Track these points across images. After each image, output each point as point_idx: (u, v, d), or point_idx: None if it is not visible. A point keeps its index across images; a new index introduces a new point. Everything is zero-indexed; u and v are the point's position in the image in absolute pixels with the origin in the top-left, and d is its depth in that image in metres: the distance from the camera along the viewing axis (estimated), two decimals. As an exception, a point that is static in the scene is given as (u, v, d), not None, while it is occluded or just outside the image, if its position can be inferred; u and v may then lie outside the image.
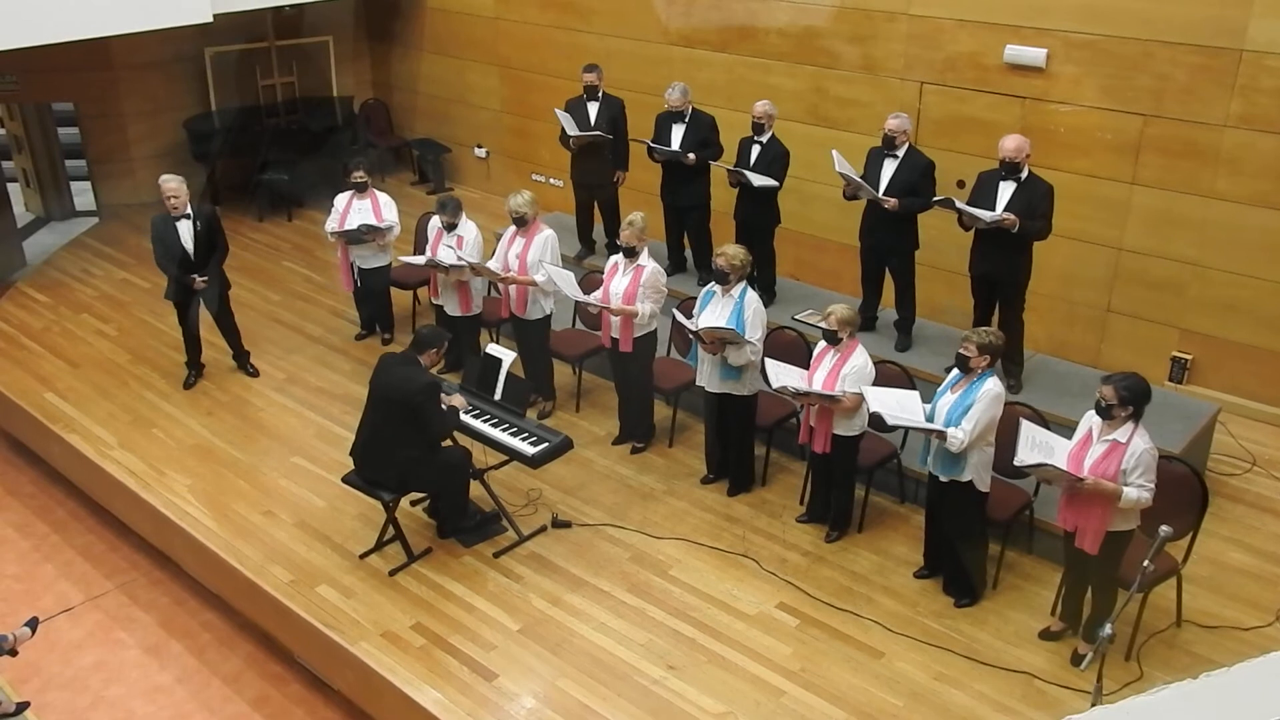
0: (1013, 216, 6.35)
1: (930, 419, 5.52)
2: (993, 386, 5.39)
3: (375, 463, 6.07)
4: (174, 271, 7.82)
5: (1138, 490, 4.94)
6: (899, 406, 5.62)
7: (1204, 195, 7.00)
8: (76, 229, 11.49)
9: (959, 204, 6.51)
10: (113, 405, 7.96)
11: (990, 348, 5.40)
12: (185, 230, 7.75)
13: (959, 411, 5.39)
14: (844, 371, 5.91)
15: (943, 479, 5.57)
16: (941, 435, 5.37)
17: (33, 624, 6.04)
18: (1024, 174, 6.48)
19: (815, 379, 5.99)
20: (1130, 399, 4.93)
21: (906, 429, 6.25)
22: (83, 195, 12.20)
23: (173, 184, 7.71)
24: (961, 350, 5.44)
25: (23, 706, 5.99)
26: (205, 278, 7.81)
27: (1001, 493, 5.80)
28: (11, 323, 9.25)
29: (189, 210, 7.75)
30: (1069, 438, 5.17)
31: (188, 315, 8.04)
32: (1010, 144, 6.44)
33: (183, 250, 7.77)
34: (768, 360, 6.18)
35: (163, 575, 7.10)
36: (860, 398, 5.91)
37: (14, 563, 7.26)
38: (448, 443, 6.45)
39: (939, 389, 5.63)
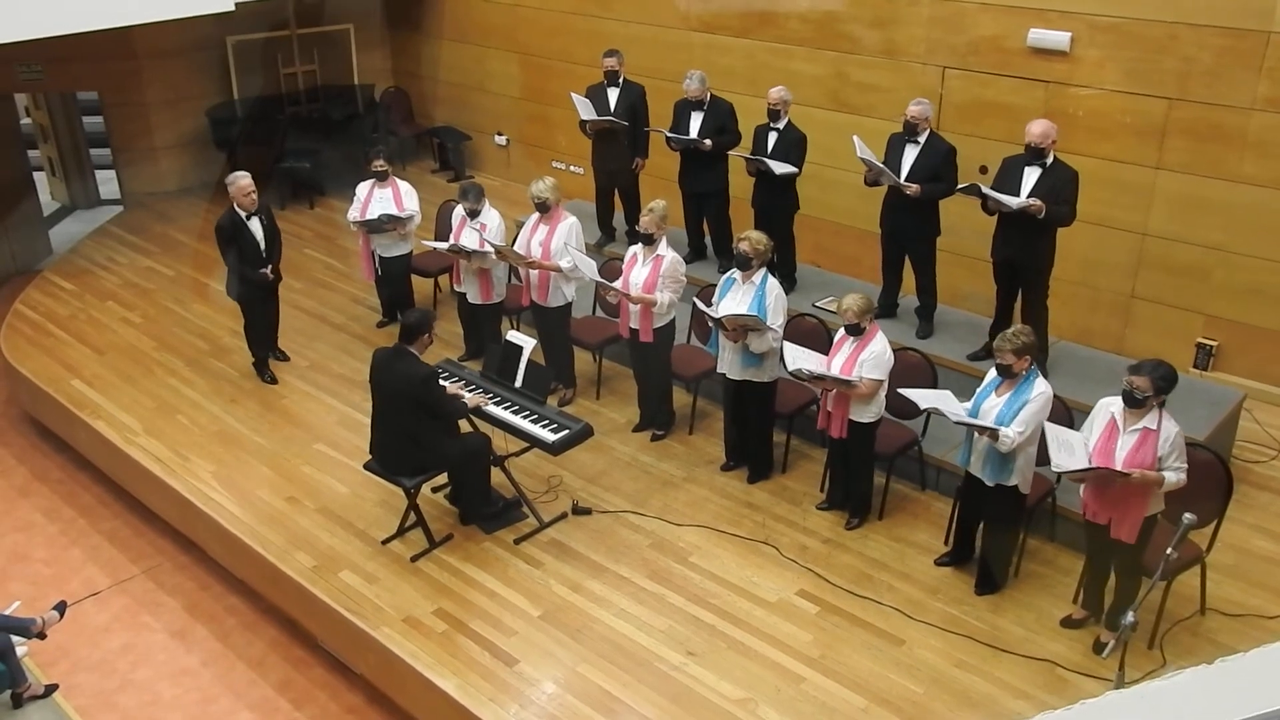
0: (1039, 202, 6.29)
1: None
2: (1045, 388, 5.31)
3: (395, 455, 6.09)
4: (250, 271, 7.68)
5: (1175, 474, 4.94)
6: (940, 404, 5.53)
7: (1230, 179, 6.92)
8: (101, 217, 11.61)
9: (985, 189, 6.45)
10: (138, 392, 8.03)
11: (1026, 348, 5.29)
12: (257, 227, 7.66)
13: (1009, 414, 5.28)
14: (862, 357, 5.88)
15: (989, 483, 5.49)
16: (994, 434, 5.26)
17: (61, 608, 6.14)
18: (1049, 159, 6.41)
19: (834, 364, 5.98)
20: (1165, 388, 4.90)
21: (928, 414, 6.23)
22: (108, 184, 12.33)
23: (246, 180, 7.54)
24: (1000, 361, 5.33)
25: (51, 689, 6.09)
26: (276, 271, 7.83)
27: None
28: (38, 310, 9.34)
29: (256, 206, 7.66)
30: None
31: (263, 309, 7.98)
32: (1037, 129, 6.37)
33: (257, 247, 7.67)
34: (786, 343, 6.16)
35: (188, 560, 7.18)
36: (876, 384, 5.88)
37: (42, 547, 7.37)
38: (468, 429, 6.48)
39: (979, 391, 5.52)
